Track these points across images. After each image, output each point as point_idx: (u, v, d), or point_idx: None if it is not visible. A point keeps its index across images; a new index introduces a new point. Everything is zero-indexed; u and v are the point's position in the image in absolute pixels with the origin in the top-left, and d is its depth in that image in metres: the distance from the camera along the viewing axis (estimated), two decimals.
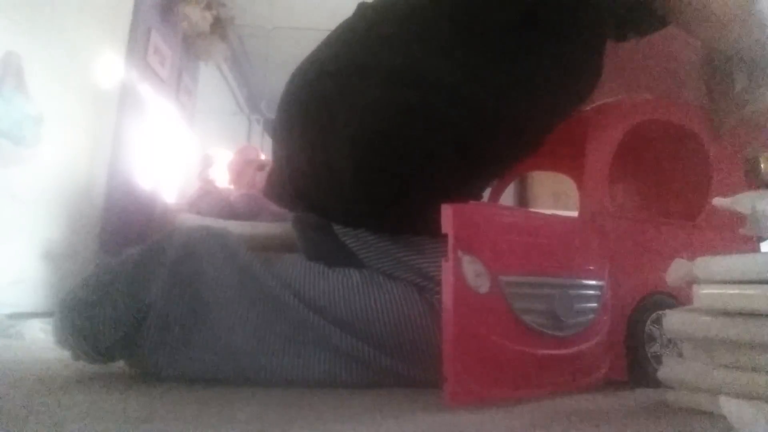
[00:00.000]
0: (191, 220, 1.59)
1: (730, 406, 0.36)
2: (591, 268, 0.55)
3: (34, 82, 1.36)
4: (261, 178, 1.82)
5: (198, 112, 2.73)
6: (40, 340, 1.01)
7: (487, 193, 0.82)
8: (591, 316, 0.53)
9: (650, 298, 0.59)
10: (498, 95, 0.60)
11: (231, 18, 2.59)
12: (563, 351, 0.50)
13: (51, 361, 0.68)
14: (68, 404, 0.43)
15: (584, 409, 0.45)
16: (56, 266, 1.53)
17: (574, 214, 0.63)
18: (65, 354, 0.54)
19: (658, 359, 0.57)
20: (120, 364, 0.56)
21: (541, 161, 0.74)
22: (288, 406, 0.45)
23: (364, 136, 0.58)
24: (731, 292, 0.41)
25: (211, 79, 3.00)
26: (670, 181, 0.80)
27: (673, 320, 0.45)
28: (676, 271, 0.46)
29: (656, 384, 0.48)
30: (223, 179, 2.00)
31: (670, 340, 0.58)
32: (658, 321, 0.58)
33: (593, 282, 0.55)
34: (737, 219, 0.45)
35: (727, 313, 0.41)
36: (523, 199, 2.73)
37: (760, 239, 0.68)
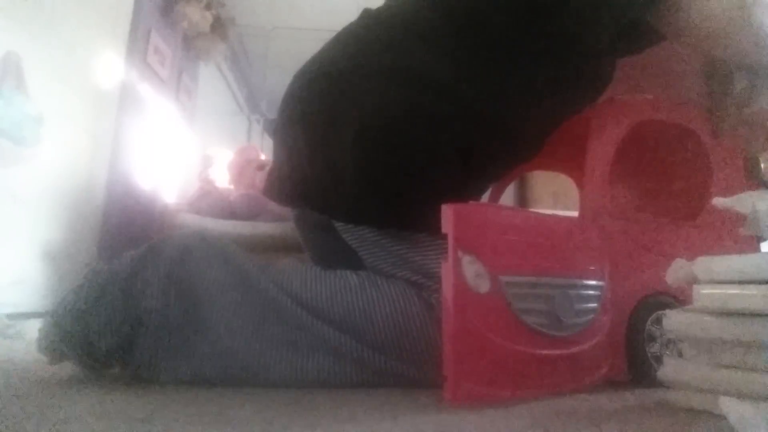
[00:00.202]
0: (191, 220, 1.59)
1: (730, 406, 0.36)
2: (591, 268, 0.55)
3: (34, 82, 1.36)
4: (261, 178, 1.82)
5: (198, 112, 2.73)
6: None
7: (487, 193, 0.82)
8: (591, 316, 0.53)
9: (650, 298, 0.59)
10: (496, 100, 0.61)
11: (231, 18, 2.59)
12: (563, 351, 0.50)
13: None
14: (68, 404, 0.43)
15: (584, 409, 0.45)
16: (56, 266, 1.53)
17: (574, 214, 0.63)
18: (46, 360, 0.53)
19: (658, 359, 0.57)
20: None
21: (541, 161, 0.74)
22: (288, 406, 0.45)
23: (366, 134, 0.58)
24: (731, 292, 0.41)
25: (211, 79, 3.00)
26: (670, 181, 0.80)
27: (673, 320, 0.45)
28: (676, 271, 0.46)
29: (656, 384, 0.48)
30: (223, 179, 2.00)
31: (670, 340, 0.58)
32: (658, 321, 0.58)
33: (593, 282, 0.55)
34: (737, 219, 0.45)
35: (727, 313, 0.41)
36: (523, 199, 2.73)
37: (760, 239, 0.68)
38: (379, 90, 0.60)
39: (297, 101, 0.66)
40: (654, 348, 0.58)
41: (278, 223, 1.52)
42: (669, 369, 0.46)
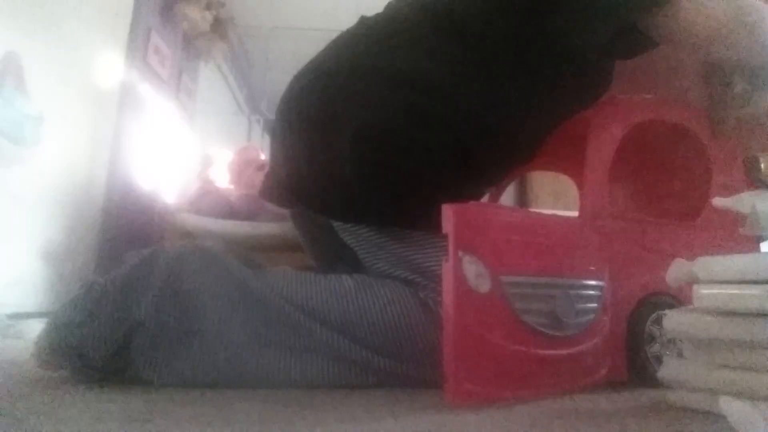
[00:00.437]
0: (191, 219, 1.59)
1: (730, 406, 0.36)
2: (591, 268, 0.55)
3: (34, 82, 1.36)
4: (261, 178, 1.82)
5: (198, 112, 2.73)
6: None
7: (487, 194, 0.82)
8: (591, 316, 0.53)
9: (650, 299, 0.59)
10: (493, 102, 0.62)
11: (231, 18, 2.59)
12: (563, 351, 0.50)
13: None
14: (68, 404, 0.43)
15: (584, 409, 0.45)
16: (56, 266, 1.54)
17: (574, 214, 0.63)
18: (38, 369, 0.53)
19: (658, 359, 0.57)
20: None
21: (541, 161, 0.74)
22: (288, 406, 0.45)
23: (363, 134, 0.59)
24: (731, 292, 0.41)
25: (211, 79, 3.00)
26: (670, 181, 0.80)
27: (673, 320, 0.45)
28: (676, 271, 0.46)
29: (656, 384, 0.48)
30: (223, 179, 2.00)
31: (670, 340, 0.58)
32: (658, 321, 0.58)
33: (593, 282, 0.55)
34: (737, 219, 0.45)
35: (727, 313, 0.41)
36: (523, 199, 2.73)
37: (760, 239, 0.68)
38: (377, 91, 0.61)
39: (295, 102, 0.66)
40: (654, 348, 0.58)
41: (278, 223, 1.52)
42: (669, 369, 0.46)
